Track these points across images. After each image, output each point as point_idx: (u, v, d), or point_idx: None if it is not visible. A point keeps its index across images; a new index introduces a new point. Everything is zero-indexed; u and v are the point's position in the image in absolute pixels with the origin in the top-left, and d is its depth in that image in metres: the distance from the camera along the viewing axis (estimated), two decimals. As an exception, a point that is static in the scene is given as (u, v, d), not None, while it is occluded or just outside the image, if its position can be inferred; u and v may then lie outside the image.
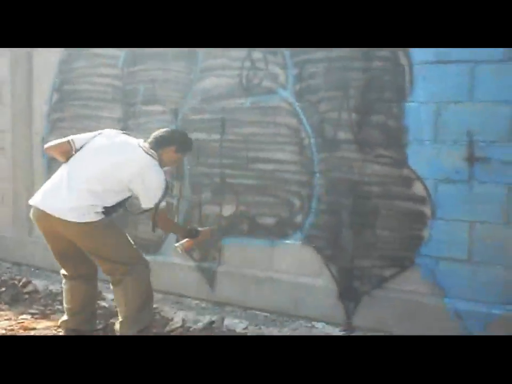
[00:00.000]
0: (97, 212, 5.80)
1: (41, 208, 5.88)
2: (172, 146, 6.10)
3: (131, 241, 6.15)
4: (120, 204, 6.01)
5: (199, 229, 6.51)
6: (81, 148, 6.02)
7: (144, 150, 5.94)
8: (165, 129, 6.25)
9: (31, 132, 8.66)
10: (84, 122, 7.97)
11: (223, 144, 6.97)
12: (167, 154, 6.09)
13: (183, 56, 7.20)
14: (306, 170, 6.46)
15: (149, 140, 6.07)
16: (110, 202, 5.88)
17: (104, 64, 7.95)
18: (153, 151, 5.96)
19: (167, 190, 5.99)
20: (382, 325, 6.06)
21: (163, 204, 6.03)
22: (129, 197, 6.02)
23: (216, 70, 6.99)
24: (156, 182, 5.87)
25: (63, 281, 6.38)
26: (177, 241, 6.49)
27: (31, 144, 8.67)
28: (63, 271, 6.33)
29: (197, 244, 6.56)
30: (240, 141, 6.85)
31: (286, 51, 6.46)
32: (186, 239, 6.37)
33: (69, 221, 5.74)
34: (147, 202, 5.91)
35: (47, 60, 8.48)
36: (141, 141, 6.05)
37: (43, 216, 5.88)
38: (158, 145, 6.04)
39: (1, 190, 8.96)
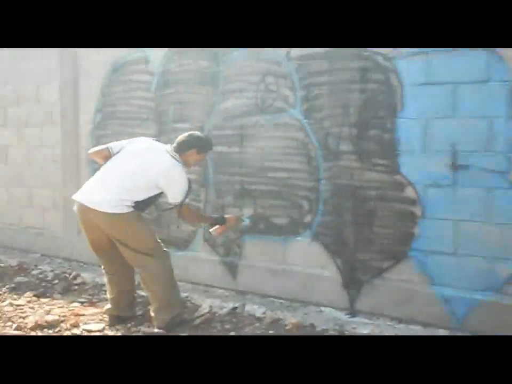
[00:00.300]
0: (128, 205, 5.88)
1: (81, 202, 5.98)
2: (193, 150, 6.11)
3: (155, 235, 6.18)
4: (149, 200, 6.06)
5: (226, 216, 6.57)
6: (117, 152, 6.13)
7: (169, 153, 6.02)
8: (186, 134, 6.20)
9: (78, 147, 8.64)
10: (123, 138, 7.69)
11: (241, 156, 6.94)
12: (190, 157, 6.12)
13: (206, 81, 7.18)
14: (313, 177, 6.43)
15: (174, 145, 6.10)
16: (140, 197, 5.93)
17: (140, 88, 7.92)
18: (177, 154, 6.03)
19: (190, 188, 6.03)
20: (381, 309, 6.05)
21: (187, 200, 6.10)
22: (157, 195, 6.05)
23: (235, 93, 6.96)
24: (179, 181, 5.95)
25: (104, 275, 6.46)
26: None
27: (78, 157, 8.64)
28: (103, 267, 6.42)
29: (227, 229, 6.57)
30: (256, 153, 6.83)
31: (295, 76, 6.44)
32: (218, 226, 6.42)
33: (103, 211, 5.83)
34: (173, 198, 5.98)
35: (91, 85, 8.48)
36: (168, 146, 6.12)
37: (83, 209, 5.98)
38: (181, 149, 6.08)
39: (54, 196, 8.94)
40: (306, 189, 6.51)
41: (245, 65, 6.86)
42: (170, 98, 7.59)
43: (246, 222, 6.88)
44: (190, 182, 6.04)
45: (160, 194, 6.08)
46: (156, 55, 7.65)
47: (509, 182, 5.25)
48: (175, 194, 5.98)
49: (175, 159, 6.01)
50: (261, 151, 6.79)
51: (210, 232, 6.54)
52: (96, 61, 8.36)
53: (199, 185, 7.14)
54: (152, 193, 6.01)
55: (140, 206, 5.99)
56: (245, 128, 6.90)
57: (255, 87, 6.79)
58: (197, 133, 6.35)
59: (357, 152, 6.10)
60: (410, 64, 5.73)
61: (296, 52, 6.43)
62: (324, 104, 6.29)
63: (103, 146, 6.27)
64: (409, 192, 5.83)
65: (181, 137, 6.18)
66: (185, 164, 6.09)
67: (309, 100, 6.40)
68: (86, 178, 7.89)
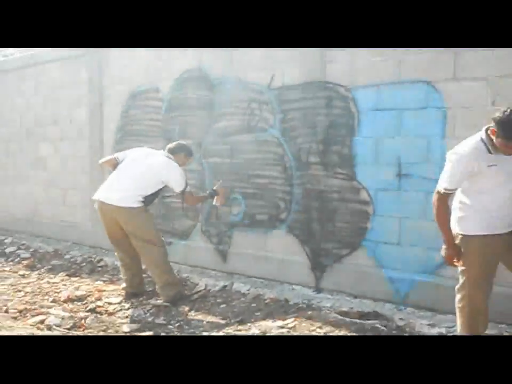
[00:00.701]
0: (139, 200, 6.00)
1: (101, 199, 6.10)
2: (182, 153, 6.29)
3: (156, 226, 6.35)
4: (156, 194, 6.18)
5: (214, 188, 6.62)
6: (122, 160, 6.27)
7: (165, 155, 6.20)
8: (176, 142, 6.42)
9: (102, 158, 8.43)
10: None
11: (232, 166, 6.91)
12: (181, 159, 6.27)
13: (204, 106, 7.16)
14: (288, 183, 6.41)
15: (166, 150, 6.27)
16: (148, 192, 6.06)
17: (152, 112, 7.91)
18: (170, 155, 6.21)
19: (186, 179, 6.18)
20: (340, 287, 6.05)
21: (188, 188, 6.25)
22: (160, 189, 6.19)
23: (227, 116, 6.94)
24: (178, 172, 6.11)
25: (118, 260, 6.66)
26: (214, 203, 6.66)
27: (102, 166, 8.52)
28: (116, 253, 6.54)
29: (222, 197, 6.62)
30: (243, 164, 6.80)
31: (275, 103, 6.43)
32: (215, 198, 6.54)
33: (119, 206, 5.96)
34: (177, 187, 6.12)
35: (113, 109, 8.45)
36: (161, 151, 6.28)
37: (103, 206, 6.09)
38: (174, 152, 6.25)
39: (82, 197, 8.89)
40: (282, 192, 6.48)
41: (235, 93, 6.85)
42: (175, 120, 7.56)
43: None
44: (185, 174, 6.20)
45: (163, 188, 6.21)
46: (165, 85, 7.64)
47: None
48: (177, 184, 6.11)
49: (170, 158, 6.19)
50: (247, 161, 6.77)
51: (215, 206, 6.67)
52: (118, 90, 8.34)
53: (198, 189, 7.08)
54: (157, 188, 6.13)
55: (148, 199, 6.12)
56: (235, 143, 6.87)
57: (242, 111, 6.77)
58: (184, 142, 6.55)
59: (323, 163, 6.07)
60: (365, 94, 5.73)
61: (275, 83, 6.43)
62: (297, 125, 6.26)
63: (111, 156, 6.48)
64: (363, 195, 5.83)
65: (172, 144, 6.37)
66: (177, 163, 6.21)
67: (285, 121, 6.38)
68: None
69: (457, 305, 4.24)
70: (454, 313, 4.39)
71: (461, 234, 4.11)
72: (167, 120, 7.68)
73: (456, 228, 4.14)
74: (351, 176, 5.90)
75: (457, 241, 4.13)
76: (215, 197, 6.56)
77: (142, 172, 6.05)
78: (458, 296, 4.22)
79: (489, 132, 3.95)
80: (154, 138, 7.81)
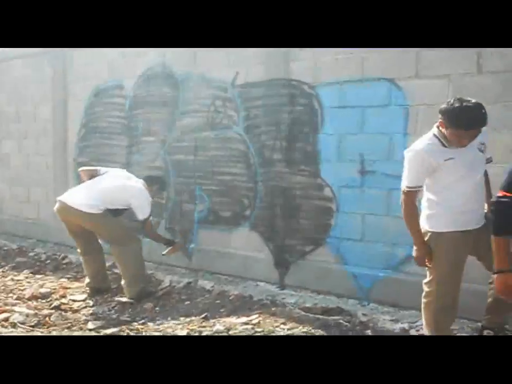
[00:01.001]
0: (99, 209, 6.03)
1: (63, 200, 6.18)
2: (156, 186, 6.51)
3: (123, 227, 6.32)
4: (116, 212, 6.20)
5: (175, 240, 6.74)
6: (102, 174, 6.36)
7: (142, 183, 6.31)
8: (155, 175, 6.77)
9: (66, 155, 8.51)
10: (102, 148, 7.99)
11: (196, 163, 6.85)
12: (151, 190, 6.39)
13: (168, 103, 7.09)
14: (252, 180, 6.36)
15: (143, 177, 6.46)
16: (111, 207, 6.12)
17: (115, 109, 7.80)
18: (145, 184, 6.33)
19: (151, 212, 6.29)
20: (304, 284, 5.99)
21: (151, 218, 6.39)
22: (122, 209, 6.23)
23: (191, 113, 6.88)
24: (146, 203, 6.20)
25: (80, 256, 6.61)
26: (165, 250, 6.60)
27: (66, 163, 8.51)
28: (78, 250, 6.50)
29: (173, 251, 6.60)
30: (207, 160, 6.75)
31: (238, 100, 6.38)
32: (169, 248, 6.54)
33: (80, 210, 6.00)
34: (141, 215, 6.15)
35: (77, 106, 8.31)
36: (140, 180, 6.39)
37: (65, 207, 6.15)
38: (149, 183, 6.40)
39: (46, 193, 8.75)
40: (246, 189, 6.43)
41: (199, 91, 6.78)
42: (139, 117, 7.48)
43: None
44: (151, 208, 6.30)
45: (125, 210, 6.24)
46: (129, 82, 7.54)
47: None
48: (142, 212, 6.14)
49: (146, 188, 6.28)
50: (211, 158, 6.71)
51: (163, 254, 6.56)
52: (82, 86, 8.21)
53: (160, 192, 6.94)
54: (121, 207, 6.20)
55: (111, 212, 6.17)
56: (199, 140, 6.81)
57: (206, 108, 6.71)
58: (161, 175, 6.88)
59: (286, 160, 6.02)
60: (328, 91, 5.68)
61: (239, 81, 6.38)
62: (261, 122, 6.22)
63: (94, 168, 6.55)
64: (327, 192, 5.78)
65: (151, 175, 6.68)
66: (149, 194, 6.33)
67: (249, 119, 6.33)
68: (72, 179, 7.95)
69: (424, 300, 4.16)
70: (417, 309, 4.36)
71: (430, 232, 4.03)
72: (130, 117, 7.59)
73: (425, 226, 4.06)
74: (314, 173, 5.84)
75: (426, 238, 4.05)
76: (170, 247, 6.57)
77: (116, 188, 6.17)
78: (426, 291, 4.14)
79: (439, 125, 3.89)
80: (118, 135, 7.74)
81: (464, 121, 3.73)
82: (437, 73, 4.98)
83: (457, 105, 3.74)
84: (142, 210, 6.14)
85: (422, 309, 4.20)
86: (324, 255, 5.85)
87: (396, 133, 5.24)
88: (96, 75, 7.97)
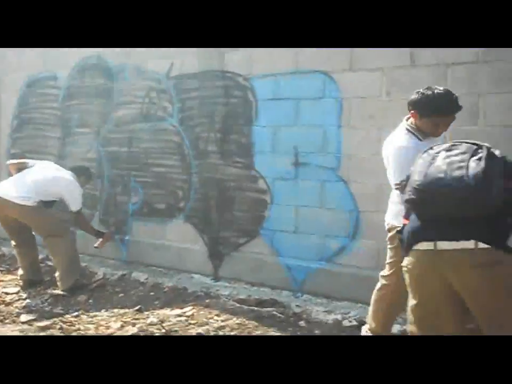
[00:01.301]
0: (34, 201, 5.91)
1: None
2: (82, 176, 6.32)
3: (57, 219, 6.14)
4: (51, 203, 6.12)
5: (104, 231, 6.57)
6: (31, 167, 6.21)
7: (71, 175, 6.18)
8: (79, 165, 6.58)
9: None
10: (35, 139, 7.76)
11: (130, 154, 6.70)
12: (83, 181, 6.31)
13: (103, 94, 6.91)
14: (186, 172, 6.25)
15: (70, 169, 6.31)
16: (46, 199, 6.02)
17: (49, 100, 7.56)
18: (75, 176, 6.20)
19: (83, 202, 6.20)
20: (238, 275, 5.93)
21: (83, 210, 6.28)
22: (54, 201, 6.13)
23: (125, 104, 6.72)
24: (77, 194, 6.13)
25: (13, 249, 6.45)
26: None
27: (-1, 154, 8.25)
28: (12, 242, 6.31)
29: (103, 243, 6.47)
30: (141, 152, 6.60)
31: (173, 91, 6.26)
32: (100, 240, 6.43)
33: (15, 202, 5.86)
34: (74, 206, 6.10)
35: (10, 96, 8.04)
36: (69, 171, 6.25)
37: None
38: (79, 174, 6.26)
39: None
40: (180, 180, 6.31)
41: (133, 82, 6.62)
42: (73, 108, 7.26)
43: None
44: (83, 198, 6.24)
45: (55, 201, 6.16)
46: (62, 74, 7.31)
47: (338, 177, 5.18)
48: (75, 203, 6.09)
49: (74, 178, 6.16)
50: (145, 150, 6.57)
51: (95, 247, 6.45)
52: (14, 77, 7.91)
53: (95, 177, 6.88)
54: (54, 199, 6.11)
55: (44, 204, 6.05)
56: (133, 132, 6.65)
57: (141, 100, 6.56)
58: (86, 166, 6.65)
59: (221, 152, 5.95)
60: (263, 84, 5.62)
61: (173, 72, 6.26)
62: (195, 114, 6.12)
63: (22, 160, 6.46)
64: (261, 184, 5.71)
65: (76, 166, 6.51)
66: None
67: (184, 110, 6.22)
68: (4, 169, 7.65)
69: (377, 292, 4.06)
70: (350, 300, 4.35)
71: (398, 227, 3.84)
72: (64, 109, 7.35)
73: (394, 222, 3.90)
74: (248, 165, 5.77)
75: (391, 234, 3.92)
76: (100, 239, 6.45)
77: (47, 180, 6.03)
78: (382, 282, 4.02)
79: (410, 119, 3.76)
80: (52, 126, 7.51)
81: (444, 105, 3.63)
82: (370, 66, 4.94)
83: (430, 92, 3.64)
84: (75, 202, 6.06)
85: (373, 301, 4.11)
86: (258, 247, 5.77)
87: (330, 125, 5.19)
88: (30, 65, 7.69)
